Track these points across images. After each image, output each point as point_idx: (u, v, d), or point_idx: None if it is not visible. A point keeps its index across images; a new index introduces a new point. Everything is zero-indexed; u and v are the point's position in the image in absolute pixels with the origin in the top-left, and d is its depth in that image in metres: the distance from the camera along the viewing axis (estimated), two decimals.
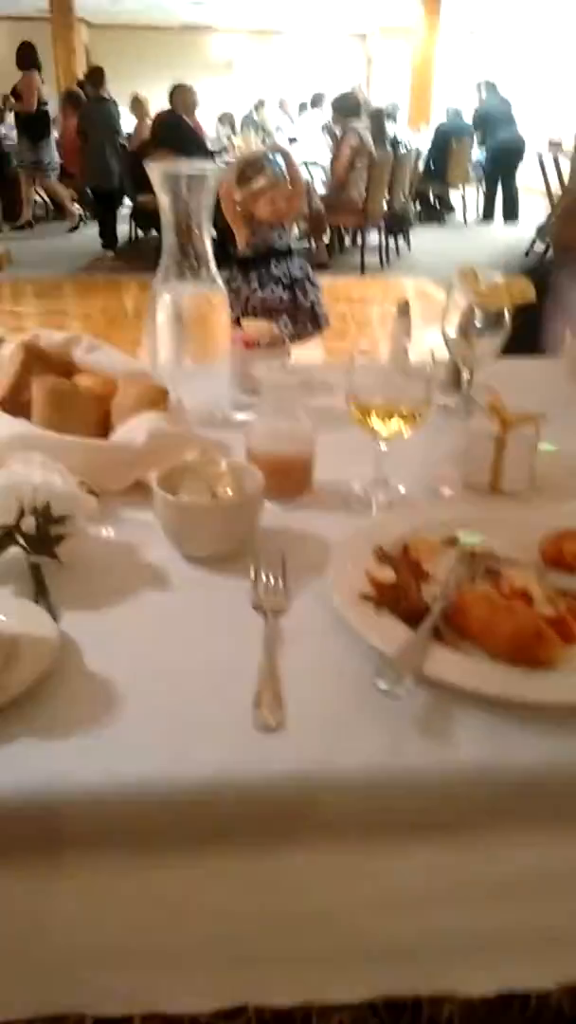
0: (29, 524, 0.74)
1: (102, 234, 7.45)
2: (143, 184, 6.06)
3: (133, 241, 7.50)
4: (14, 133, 8.55)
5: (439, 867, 0.63)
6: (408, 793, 0.61)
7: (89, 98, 7.53)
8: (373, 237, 7.20)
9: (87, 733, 0.61)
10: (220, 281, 1.13)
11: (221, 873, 0.61)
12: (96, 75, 7.48)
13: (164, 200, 1.07)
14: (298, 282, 3.54)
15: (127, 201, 7.46)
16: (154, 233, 7.32)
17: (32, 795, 0.57)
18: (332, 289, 5.51)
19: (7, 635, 0.64)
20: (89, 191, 7.85)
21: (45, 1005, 0.63)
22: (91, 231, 7.87)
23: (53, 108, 9.48)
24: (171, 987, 0.64)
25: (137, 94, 8.23)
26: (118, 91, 7.79)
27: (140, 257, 7.09)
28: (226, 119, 9.91)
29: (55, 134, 8.99)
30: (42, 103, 7.61)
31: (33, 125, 7.65)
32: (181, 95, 6.51)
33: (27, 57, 7.49)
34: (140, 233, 7.50)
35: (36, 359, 1.01)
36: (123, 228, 7.55)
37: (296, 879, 0.62)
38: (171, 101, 6.59)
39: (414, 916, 0.64)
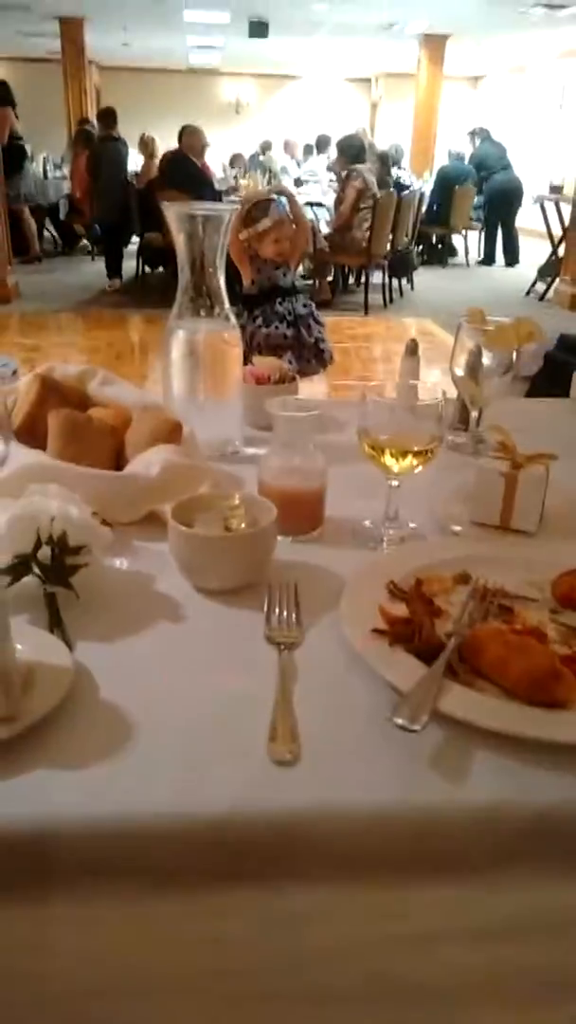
0: (45, 554, 0.75)
1: (108, 266, 7.57)
2: (150, 221, 6.20)
3: (140, 277, 7.62)
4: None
5: (452, 905, 0.62)
6: (422, 830, 0.60)
7: (100, 137, 7.71)
8: (377, 277, 7.32)
9: (102, 764, 0.61)
10: (234, 319, 1.15)
11: (233, 907, 0.60)
12: (107, 115, 7.68)
13: (180, 239, 1.10)
14: (302, 319, 3.60)
15: (134, 238, 7.60)
16: (160, 270, 7.45)
17: (45, 826, 0.57)
18: (336, 327, 5.59)
19: (23, 664, 0.64)
20: (97, 226, 7.99)
21: None
22: (98, 267, 8.00)
23: (61, 144, 9.70)
24: (177, 1021, 0.63)
25: (145, 134, 8.42)
26: (126, 131, 7.98)
27: (146, 292, 7.21)
28: (238, 161, 10.13)
29: (60, 171, 9.19)
30: (16, 138, 7.84)
31: (5, 159, 7.87)
32: (189, 136, 6.67)
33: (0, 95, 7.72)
34: (147, 269, 7.62)
35: (51, 391, 1.03)
36: (131, 264, 7.67)
37: (307, 915, 0.61)
38: (180, 141, 6.74)
39: (426, 954, 0.63)
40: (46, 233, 9.39)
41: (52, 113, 11.56)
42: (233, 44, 11.95)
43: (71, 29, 10.86)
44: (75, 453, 0.94)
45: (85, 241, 9.23)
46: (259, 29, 10.02)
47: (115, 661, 0.73)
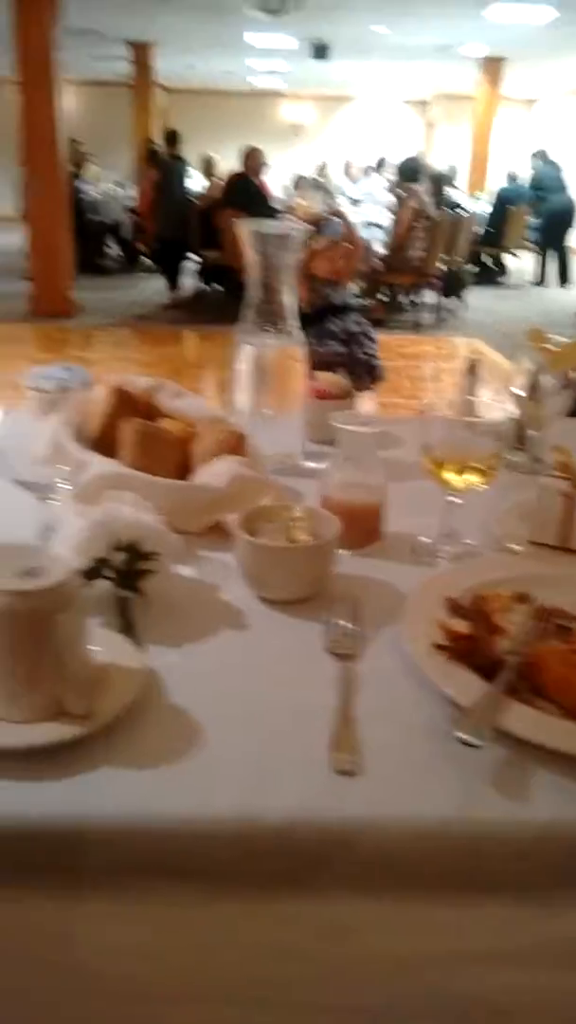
0: (118, 559, 0.77)
1: (168, 281, 7.73)
2: (211, 240, 6.29)
3: (198, 295, 7.76)
4: (91, 188, 8.96)
5: (508, 924, 0.62)
6: (481, 846, 0.61)
7: (164, 157, 7.91)
8: (429, 297, 7.32)
9: (168, 766, 0.63)
10: (299, 335, 1.18)
11: (292, 915, 0.61)
12: (172, 136, 7.88)
13: (251, 256, 1.13)
14: (354, 337, 3.63)
15: (195, 256, 7.75)
16: (219, 287, 7.58)
17: (113, 824, 0.59)
18: (387, 346, 5.58)
19: (97, 665, 0.67)
20: (158, 244, 8.15)
21: None
22: (157, 284, 8.15)
23: (124, 164, 9.86)
24: None
25: (208, 155, 8.61)
26: (188, 151, 8.17)
27: (203, 310, 7.33)
28: (302, 182, 10.22)
29: (123, 190, 9.40)
30: None
31: None
32: (252, 157, 6.80)
33: None
34: (206, 287, 7.76)
35: (124, 402, 1.06)
36: (190, 282, 7.83)
37: (363, 926, 0.62)
38: (243, 162, 6.87)
39: (480, 972, 0.63)
40: (107, 250, 9.62)
41: (117, 134, 11.89)
42: (294, 66, 12.13)
43: (141, 53, 11.19)
44: (146, 463, 0.97)
45: (146, 259, 9.43)
46: (321, 51, 10.16)
47: (181, 666, 0.75)
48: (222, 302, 7.09)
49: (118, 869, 0.60)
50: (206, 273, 7.59)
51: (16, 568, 0.63)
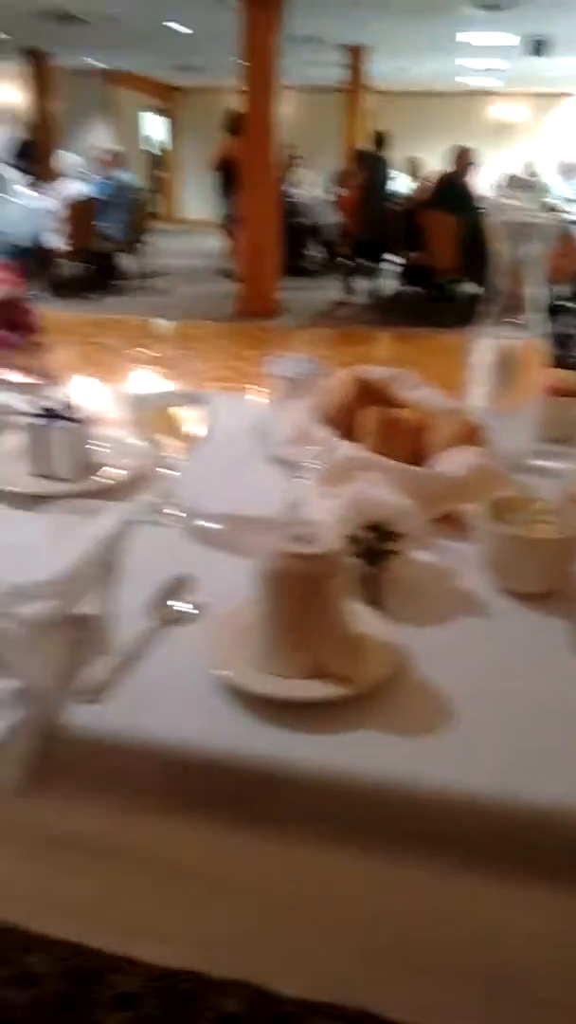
0: (368, 537, 0.80)
1: (364, 282, 7.78)
2: (415, 241, 6.21)
3: (396, 296, 7.77)
4: (297, 191, 9.21)
5: None
6: None
7: (372, 159, 7.99)
8: None
9: (426, 738, 0.64)
10: (542, 329, 1.15)
11: (542, 905, 0.60)
12: (380, 138, 7.94)
13: (501, 248, 1.12)
14: (566, 339, 3.48)
15: (395, 258, 7.75)
16: (418, 289, 7.54)
17: (370, 786, 0.61)
18: None
19: (355, 633, 0.69)
20: (359, 244, 8.23)
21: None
22: (355, 285, 8.23)
23: (330, 168, 10.05)
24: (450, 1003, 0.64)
25: (415, 156, 8.56)
26: (395, 152, 8.19)
27: (400, 311, 7.31)
28: (514, 181, 9.95)
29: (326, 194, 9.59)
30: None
31: None
32: (462, 156, 6.71)
33: None
34: (405, 288, 7.75)
35: (363, 391, 1.09)
36: (386, 284, 7.85)
37: None
38: (453, 162, 6.80)
39: None
40: (308, 252, 9.84)
41: (326, 137, 12.16)
42: (509, 65, 11.77)
43: (355, 57, 11.36)
44: (384, 450, 0.99)
45: (345, 260, 9.54)
46: (539, 48, 9.77)
47: (426, 645, 0.75)
48: (420, 304, 7.04)
49: (370, 828, 0.61)
50: (407, 274, 7.56)
51: (289, 534, 0.66)
